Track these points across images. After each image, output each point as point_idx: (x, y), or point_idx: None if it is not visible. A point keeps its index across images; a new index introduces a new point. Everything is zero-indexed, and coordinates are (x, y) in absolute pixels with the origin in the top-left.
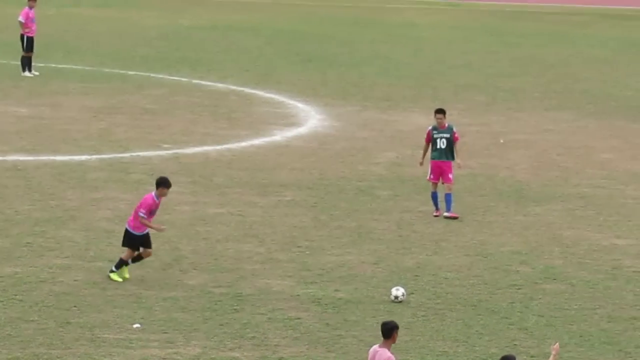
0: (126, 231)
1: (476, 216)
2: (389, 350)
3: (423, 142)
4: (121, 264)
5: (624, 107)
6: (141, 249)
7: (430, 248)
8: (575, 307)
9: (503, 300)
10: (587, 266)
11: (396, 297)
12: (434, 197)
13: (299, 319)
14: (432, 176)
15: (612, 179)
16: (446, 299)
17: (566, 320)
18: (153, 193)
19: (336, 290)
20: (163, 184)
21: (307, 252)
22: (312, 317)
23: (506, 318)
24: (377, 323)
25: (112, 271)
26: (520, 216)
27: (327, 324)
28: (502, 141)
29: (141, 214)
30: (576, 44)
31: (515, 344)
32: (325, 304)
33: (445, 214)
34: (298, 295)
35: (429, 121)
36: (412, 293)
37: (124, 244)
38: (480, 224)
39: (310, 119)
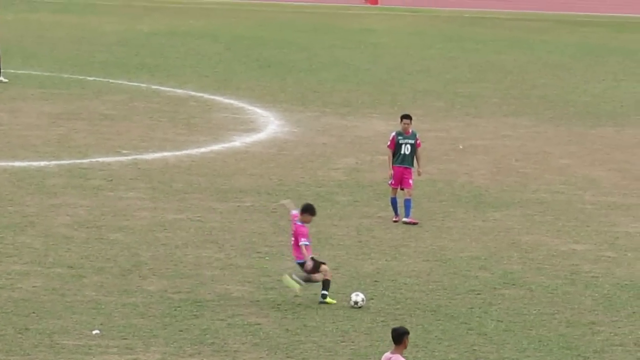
0: (301, 265)
1: (435, 222)
2: (401, 355)
3: (385, 149)
4: (327, 284)
5: (582, 113)
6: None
7: (390, 254)
8: (534, 312)
9: (462, 306)
10: (546, 271)
11: (356, 303)
12: (394, 202)
13: (258, 324)
14: (392, 181)
15: (571, 184)
16: (405, 305)
17: (525, 325)
18: (299, 221)
19: (296, 296)
20: (308, 210)
21: (267, 258)
22: (271, 323)
23: (465, 323)
24: (337, 329)
25: (324, 296)
26: (479, 222)
27: (287, 329)
28: (461, 147)
29: (305, 243)
30: (534, 50)
31: (474, 349)
32: (285, 310)
33: (405, 219)
34: (258, 300)
35: (389, 127)
36: (372, 299)
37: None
38: (440, 229)
39: (270, 124)
